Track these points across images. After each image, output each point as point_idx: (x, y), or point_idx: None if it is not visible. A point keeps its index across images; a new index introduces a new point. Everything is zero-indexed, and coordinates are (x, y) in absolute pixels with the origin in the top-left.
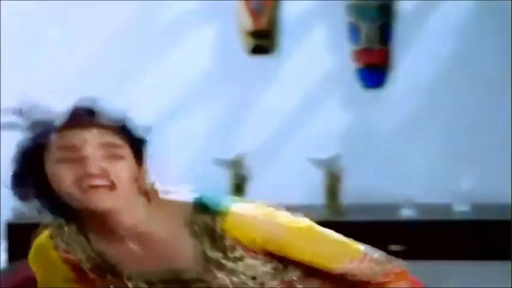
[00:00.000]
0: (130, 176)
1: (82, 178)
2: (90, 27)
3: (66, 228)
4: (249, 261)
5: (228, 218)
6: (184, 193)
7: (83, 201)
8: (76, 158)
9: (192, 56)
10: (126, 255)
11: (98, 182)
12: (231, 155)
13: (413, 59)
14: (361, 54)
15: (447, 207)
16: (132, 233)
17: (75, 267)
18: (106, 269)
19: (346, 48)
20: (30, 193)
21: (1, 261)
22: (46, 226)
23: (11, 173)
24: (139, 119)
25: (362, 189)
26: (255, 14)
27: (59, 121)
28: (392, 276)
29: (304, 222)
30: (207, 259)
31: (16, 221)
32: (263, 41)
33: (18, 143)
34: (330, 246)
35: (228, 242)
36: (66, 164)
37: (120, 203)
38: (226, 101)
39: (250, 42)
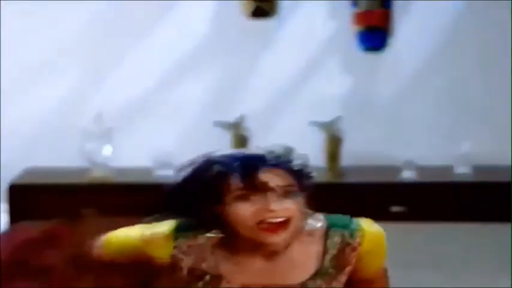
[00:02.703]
0: (300, 211)
1: (262, 215)
2: None
3: (199, 236)
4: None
5: (365, 234)
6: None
7: (259, 237)
8: (257, 197)
9: (191, 19)
10: (245, 269)
11: (277, 219)
12: (232, 119)
13: (414, 21)
14: (362, 16)
15: (448, 169)
16: (270, 252)
17: (175, 266)
18: (207, 276)
19: (347, 11)
20: (191, 210)
21: (2, 223)
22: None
23: (176, 187)
24: (140, 84)
25: (363, 151)
26: None
27: (241, 161)
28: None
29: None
30: (320, 271)
31: (18, 183)
32: (263, 3)
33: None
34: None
35: (351, 257)
36: (248, 202)
37: (289, 238)
38: (227, 65)
39: (251, 5)
